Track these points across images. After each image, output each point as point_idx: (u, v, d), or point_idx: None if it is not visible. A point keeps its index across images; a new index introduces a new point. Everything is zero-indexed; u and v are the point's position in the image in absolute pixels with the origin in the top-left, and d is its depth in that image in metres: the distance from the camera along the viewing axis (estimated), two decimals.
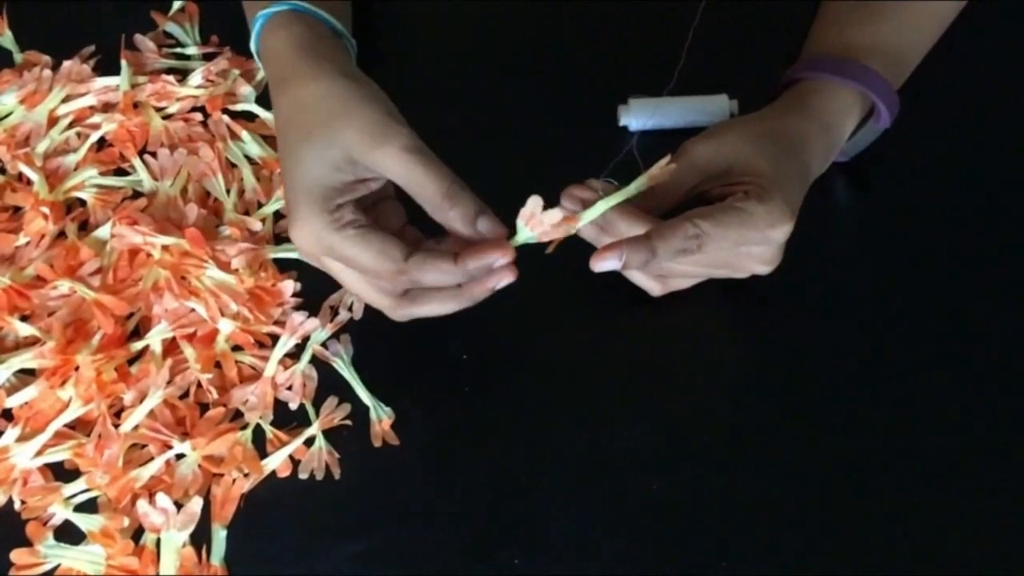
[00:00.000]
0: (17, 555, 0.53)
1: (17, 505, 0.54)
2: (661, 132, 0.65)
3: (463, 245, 0.52)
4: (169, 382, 0.57)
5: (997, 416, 0.57)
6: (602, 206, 0.52)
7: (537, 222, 0.52)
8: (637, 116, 0.65)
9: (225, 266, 0.59)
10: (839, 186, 0.64)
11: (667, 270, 0.56)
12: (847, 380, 0.58)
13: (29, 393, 0.56)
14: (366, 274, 0.53)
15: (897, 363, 0.59)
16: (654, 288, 0.58)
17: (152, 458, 0.55)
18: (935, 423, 0.57)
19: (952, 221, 0.63)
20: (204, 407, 0.57)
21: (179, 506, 0.54)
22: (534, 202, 0.52)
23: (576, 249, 0.58)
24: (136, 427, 0.56)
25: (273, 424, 0.57)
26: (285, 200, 0.55)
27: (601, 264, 0.52)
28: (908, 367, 0.59)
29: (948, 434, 0.57)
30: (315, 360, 0.59)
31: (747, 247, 0.54)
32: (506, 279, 0.53)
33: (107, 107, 0.67)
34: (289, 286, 0.60)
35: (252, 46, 0.60)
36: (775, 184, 0.54)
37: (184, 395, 0.57)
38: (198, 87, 0.67)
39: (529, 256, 0.57)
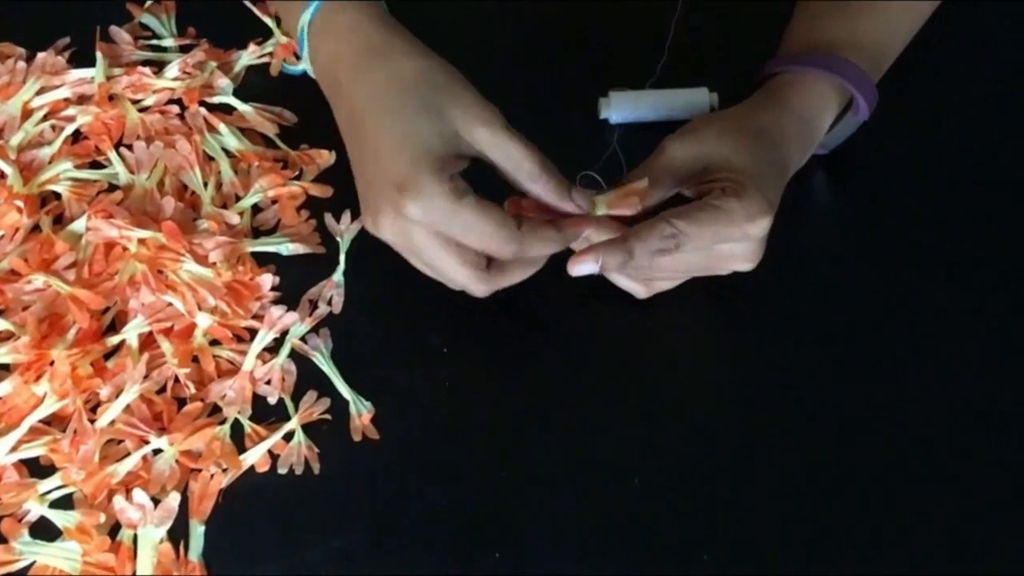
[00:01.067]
0: None
1: None
2: (642, 125, 0.65)
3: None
4: (146, 377, 0.56)
5: (982, 411, 0.57)
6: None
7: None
8: (618, 109, 0.65)
9: (203, 260, 0.59)
10: (818, 179, 0.64)
11: (649, 272, 0.56)
12: (830, 376, 0.58)
13: (3, 388, 0.55)
14: (478, 244, 0.53)
15: (880, 358, 0.59)
16: (639, 290, 0.58)
17: (128, 454, 0.54)
18: (918, 418, 0.57)
19: (932, 214, 0.64)
20: (181, 402, 0.56)
21: (156, 502, 0.54)
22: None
23: None
24: (112, 422, 0.55)
25: (251, 419, 0.56)
26: (384, 174, 0.52)
27: (578, 268, 0.53)
28: (891, 362, 0.59)
29: (932, 429, 0.57)
30: (294, 354, 0.59)
31: (726, 244, 0.54)
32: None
33: (82, 99, 0.66)
34: (268, 280, 0.60)
35: (305, 19, 0.59)
36: (752, 179, 0.54)
37: (161, 390, 0.57)
38: (175, 79, 0.67)
39: None
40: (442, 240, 0.53)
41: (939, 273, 0.62)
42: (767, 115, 0.58)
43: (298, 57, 0.63)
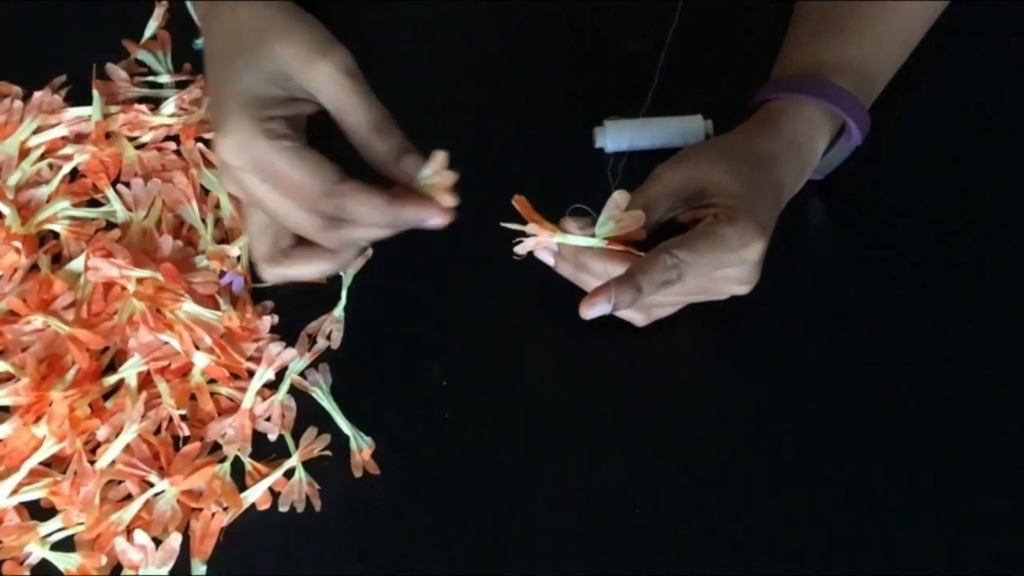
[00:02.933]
0: None
1: None
2: (637, 153, 0.65)
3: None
4: (144, 416, 0.56)
5: (981, 430, 0.57)
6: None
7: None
8: (613, 138, 0.65)
9: (202, 299, 0.59)
10: (814, 204, 0.64)
11: (649, 301, 0.56)
12: (829, 400, 0.58)
13: (3, 431, 0.55)
14: (292, 194, 0.49)
15: (878, 380, 0.59)
16: (638, 319, 0.58)
17: (129, 494, 0.54)
18: (918, 439, 0.57)
19: (927, 237, 0.64)
20: (179, 441, 0.56)
21: (157, 542, 0.53)
22: (621, 196, 0.54)
23: (554, 276, 0.58)
24: (112, 463, 0.55)
25: (252, 456, 0.56)
26: (212, 115, 0.52)
27: (592, 310, 0.53)
28: (889, 385, 0.59)
29: (931, 450, 0.57)
30: (293, 390, 0.58)
31: (724, 269, 0.54)
32: (438, 222, 0.51)
33: (79, 138, 0.66)
34: (267, 323, 0.60)
35: None
36: (744, 203, 0.55)
37: (157, 430, 0.56)
38: (171, 115, 0.67)
39: (509, 282, 0.57)
40: (271, 185, 0.50)
41: (935, 296, 0.61)
42: (759, 141, 0.58)
43: None
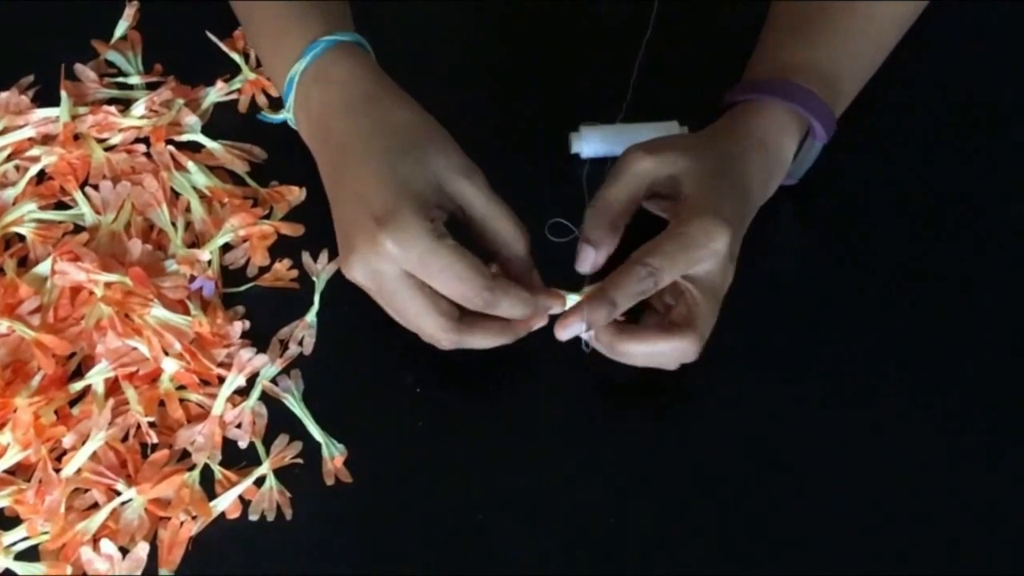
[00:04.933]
0: None
1: None
2: (613, 159, 0.65)
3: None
4: (111, 424, 0.55)
5: (956, 426, 0.57)
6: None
7: None
8: (589, 143, 0.65)
9: (171, 304, 0.58)
10: (787, 209, 0.64)
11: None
12: (804, 401, 0.58)
13: None
14: (451, 287, 0.52)
15: (853, 381, 0.59)
16: (683, 360, 0.56)
17: (95, 503, 0.53)
18: (894, 437, 0.57)
19: (900, 239, 0.64)
20: (147, 448, 0.55)
21: (124, 551, 0.53)
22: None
23: None
24: (79, 471, 0.54)
25: (222, 464, 0.55)
26: (364, 209, 0.53)
27: (566, 332, 0.54)
28: (864, 385, 0.59)
29: (907, 447, 0.57)
30: (265, 397, 0.58)
31: (699, 266, 0.55)
32: (540, 324, 0.56)
33: (47, 139, 0.65)
34: (238, 328, 0.59)
35: (298, 68, 0.59)
36: (703, 200, 0.55)
37: (125, 437, 0.55)
38: (141, 117, 0.66)
39: None
40: (415, 283, 0.53)
41: (909, 296, 0.62)
42: (721, 140, 0.59)
43: (273, 101, 0.64)
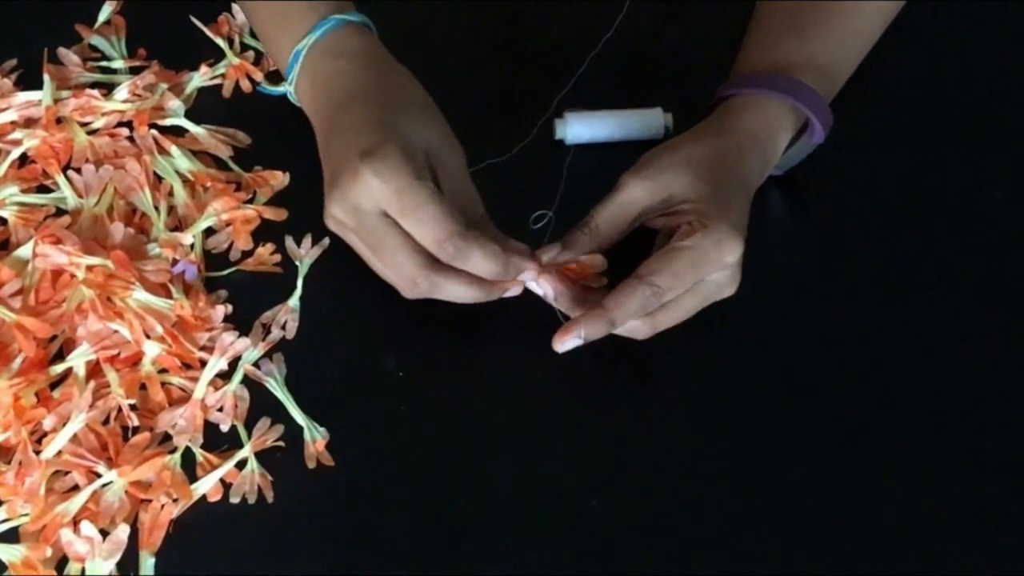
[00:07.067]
0: None
1: None
2: (597, 145, 0.65)
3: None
4: (92, 406, 0.55)
5: (949, 418, 0.58)
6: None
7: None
8: (573, 130, 0.65)
9: (153, 287, 0.58)
10: (774, 199, 0.64)
11: (657, 321, 0.56)
12: (787, 394, 0.58)
13: None
14: (423, 228, 0.53)
15: (839, 371, 0.59)
16: (640, 334, 0.57)
17: (75, 485, 0.53)
18: (880, 427, 0.57)
19: (886, 228, 0.64)
20: (128, 431, 0.55)
21: (105, 534, 0.52)
22: (600, 260, 0.58)
23: None
24: (59, 453, 0.54)
25: (203, 447, 0.55)
26: (354, 146, 0.54)
27: (564, 344, 0.54)
28: (851, 375, 0.59)
29: (895, 438, 0.57)
30: (247, 380, 0.58)
31: (709, 278, 0.55)
32: (515, 291, 0.57)
33: (29, 122, 0.65)
34: (220, 312, 0.59)
35: (308, 41, 0.60)
36: (716, 209, 0.55)
37: (106, 420, 0.55)
38: (124, 101, 0.66)
39: None
40: (390, 222, 0.54)
41: (896, 285, 0.62)
42: (723, 139, 0.58)
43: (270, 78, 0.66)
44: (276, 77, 0.67)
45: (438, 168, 0.56)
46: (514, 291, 0.57)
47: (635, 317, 0.54)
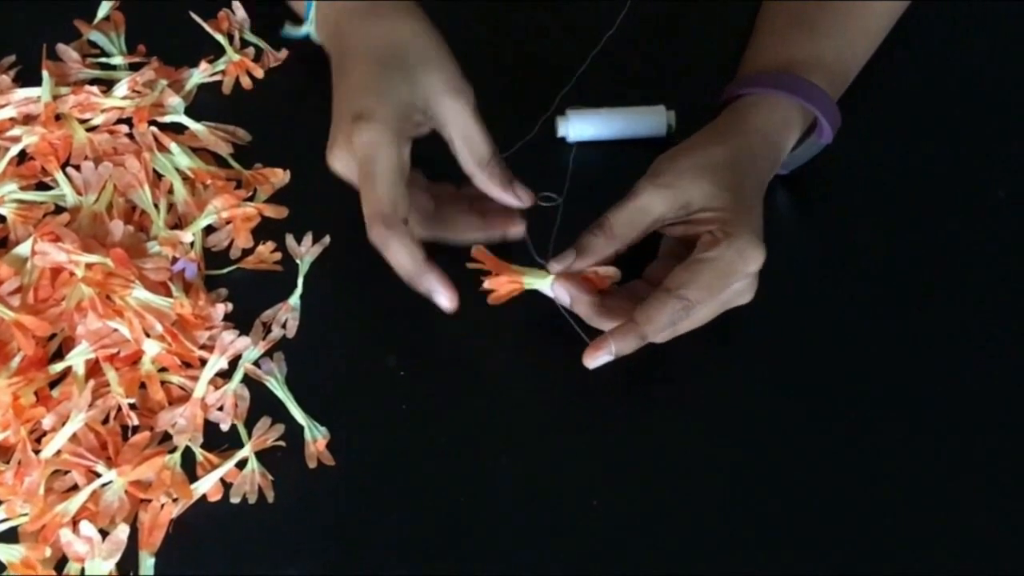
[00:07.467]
0: None
1: None
2: (599, 143, 0.65)
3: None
4: (91, 405, 0.55)
5: (953, 419, 0.57)
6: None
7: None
8: (575, 127, 0.65)
9: (153, 286, 0.57)
10: (779, 198, 0.64)
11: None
12: (789, 394, 0.58)
13: None
14: (364, 203, 0.55)
15: (842, 371, 0.59)
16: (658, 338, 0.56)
17: (75, 484, 0.53)
18: (884, 426, 0.57)
19: (892, 231, 0.64)
20: (128, 430, 0.55)
21: (104, 533, 0.52)
22: (613, 271, 0.58)
23: None
24: (58, 452, 0.53)
25: (203, 446, 0.55)
26: (349, 108, 0.56)
27: (595, 361, 0.54)
28: (853, 374, 0.59)
29: (897, 439, 0.57)
30: (247, 379, 0.57)
31: (730, 288, 0.55)
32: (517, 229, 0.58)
33: (28, 119, 0.65)
34: (220, 310, 0.58)
35: None
36: (738, 218, 0.54)
37: (105, 420, 0.55)
38: (124, 98, 0.65)
39: (467, 271, 0.57)
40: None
41: (900, 286, 0.62)
42: (735, 141, 0.58)
43: (256, 83, 0.66)
44: (262, 85, 0.68)
45: (443, 115, 0.57)
46: (441, 300, 0.55)
47: (665, 330, 0.54)
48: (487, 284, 0.56)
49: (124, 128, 0.65)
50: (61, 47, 0.68)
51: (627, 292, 0.57)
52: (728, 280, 0.54)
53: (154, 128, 0.65)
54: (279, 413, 0.57)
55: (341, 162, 0.57)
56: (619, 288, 0.58)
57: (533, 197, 0.58)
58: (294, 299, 0.60)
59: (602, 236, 0.56)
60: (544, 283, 0.56)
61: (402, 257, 0.54)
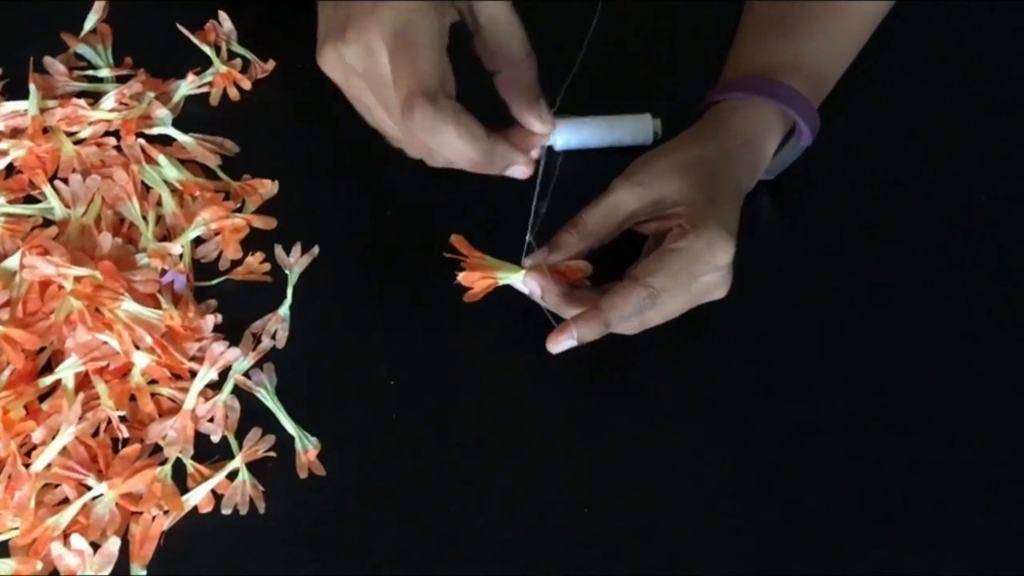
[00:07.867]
0: None
1: None
2: (585, 151, 0.65)
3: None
4: (81, 418, 0.55)
5: (938, 420, 0.58)
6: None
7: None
8: (562, 135, 0.65)
9: (142, 298, 0.57)
10: (764, 203, 0.64)
11: (643, 319, 0.55)
12: (782, 395, 0.58)
13: None
14: (418, 68, 0.49)
15: (830, 373, 0.59)
16: (629, 329, 0.56)
17: (65, 498, 0.53)
18: (871, 429, 0.57)
19: (877, 234, 0.64)
20: (119, 443, 0.55)
21: (95, 546, 0.52)
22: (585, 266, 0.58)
23: None
24: (49, 466, 0.53)
25: (194, 458, 0.55)
26: None
27: (558, 346, 0.54)
28: (841, 377, 0.59)
29: (886, 439, 0.57)
30: (237, 390, 0.57)
31: (700, 278, 0.55)
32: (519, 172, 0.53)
33: (15, 132, 0.65)
34: (210, 321, 0.58)
35: None
36: (707, 211, 0.55)
37: (95, 432, 0.55)
38: (111, 110, 0.65)
39: (454, 287, 0.57)
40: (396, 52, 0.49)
41: (886, 288, 0.62)
42: (711, 143, 0.58)
43: (244, 95, 0.65)
44: (250, 96, 0.67)
45: (477, 12, 0.52)
46: (517, 172, 0.52)
47: (630, 319, 0.54)
48: (461, 279, 0.56)
49: (112, 140, 0.65)
50: (48, 60, 0.68)
51: (602, 289, 0.57)
52: (694, 270, 0.54)
53: (142, 140, 0.65)
54: (270, 424, 0.57)
55: (335, 57, 0.50)
56: (595, 287, 0.58)
57: (552, 125, 0.54)
58: (283, 310, 0.60)
59: (575, 232, 0.56)
60: (516, 277, 0.56)
61: (461, 137, 0.49)
